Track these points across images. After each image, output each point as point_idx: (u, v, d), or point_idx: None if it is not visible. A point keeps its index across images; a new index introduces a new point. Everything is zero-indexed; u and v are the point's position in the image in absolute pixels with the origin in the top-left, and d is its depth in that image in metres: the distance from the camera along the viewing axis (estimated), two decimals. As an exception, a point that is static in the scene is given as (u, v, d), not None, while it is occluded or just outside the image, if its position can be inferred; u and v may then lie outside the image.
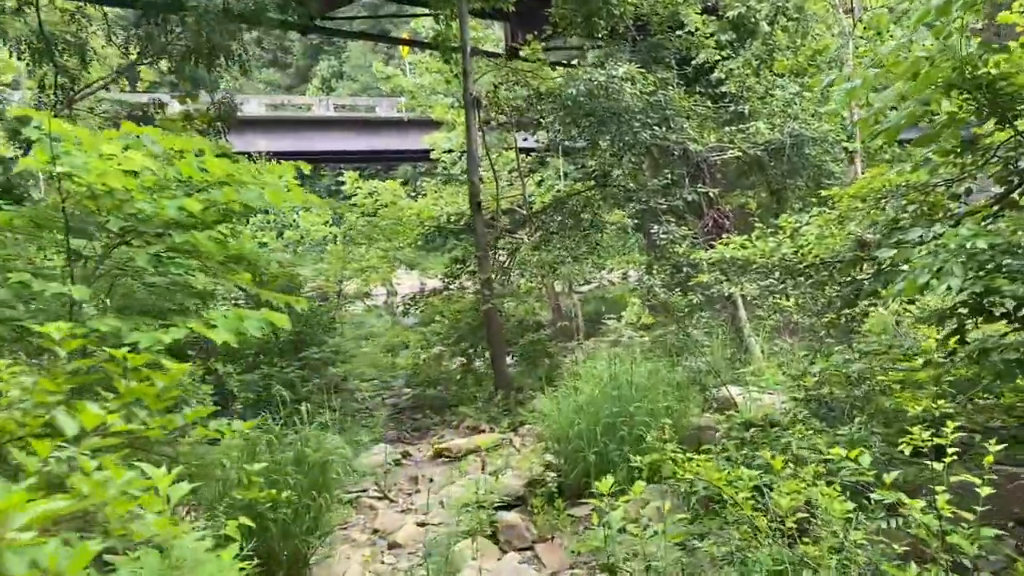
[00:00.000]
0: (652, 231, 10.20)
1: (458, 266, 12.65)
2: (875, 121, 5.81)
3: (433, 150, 25.76)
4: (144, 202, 4.37)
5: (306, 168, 5.44)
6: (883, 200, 6.75)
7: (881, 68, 5.61)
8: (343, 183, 24.90)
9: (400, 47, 37.35)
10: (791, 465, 3.89)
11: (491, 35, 26.13)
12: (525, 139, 19.58)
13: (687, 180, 10.88)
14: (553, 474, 6.65)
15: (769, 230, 6.92)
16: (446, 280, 12.79)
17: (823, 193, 7.53)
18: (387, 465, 8.01)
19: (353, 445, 8.13)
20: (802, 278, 6.62)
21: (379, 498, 7.29)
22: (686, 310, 8.78)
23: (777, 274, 6.85)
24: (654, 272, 10.00)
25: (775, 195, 12.01)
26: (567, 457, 6.32)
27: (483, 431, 9.44)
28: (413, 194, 28.08)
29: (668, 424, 5.19)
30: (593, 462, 5.86)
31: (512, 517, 5.86)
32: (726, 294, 8.95)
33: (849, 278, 6.71)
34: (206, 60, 9.98)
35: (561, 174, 22.48)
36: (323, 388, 9.02)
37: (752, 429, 5.32)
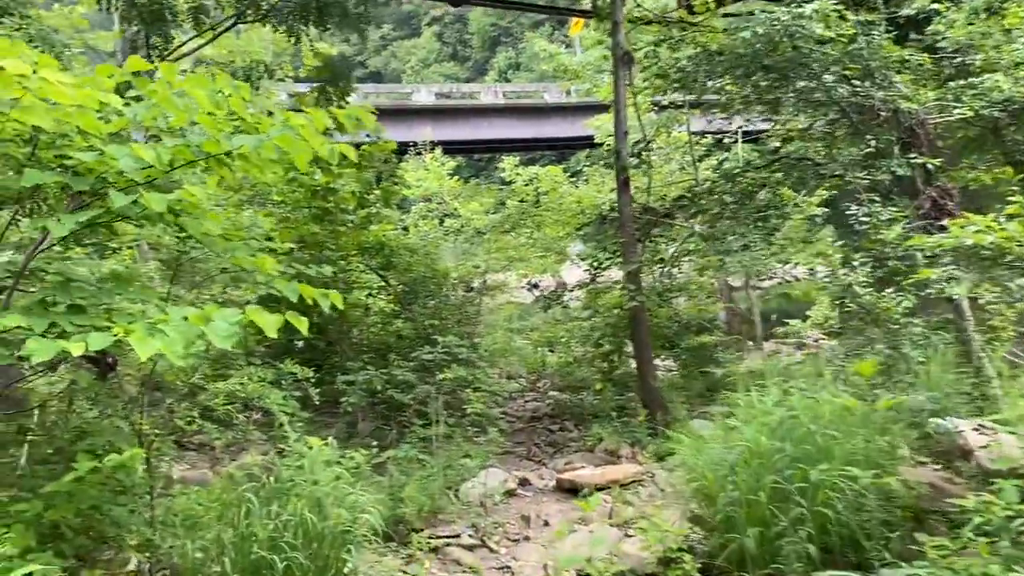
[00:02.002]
0: (850, 213, 7.94)
1: (607, 255, 10.86)
2: None
3: (594, 136, 23.97)
4: (86, 150, 3.06)
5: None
6: None
7: None
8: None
9: (571, 26, 35.66)
10: None
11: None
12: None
13: (897, 149, 8.47)
14: (698, 539, 4.82)
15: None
16: (592, 271, 11.05)
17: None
18: (494, 497, 6.47)
19: (456, 469, 6.70)
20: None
21: (474, 546, 5.75)
22: (898, 318, 6.52)
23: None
24: (855, 266, 7.72)
25: (1017, 169, 9.28)
26: (716, 525, 4.47)
27: (621, 457, 7.67)
28: (575, 181, 26.56)
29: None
30: (753, 546, 3.99)
31: (630, 614, 4.12)
32: (953, 296, 6.67)
33: None
34: (316, 19, 8.89)
35: (739, 155, 20.04)
36: (436, 394, 7.65)
37: (1019, 521, 3.26)
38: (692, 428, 7.99)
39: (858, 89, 8.26)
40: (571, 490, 6.70)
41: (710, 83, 10.14)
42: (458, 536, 5.74)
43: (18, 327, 2.75)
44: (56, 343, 2.58)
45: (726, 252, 9.64)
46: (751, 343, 16.08)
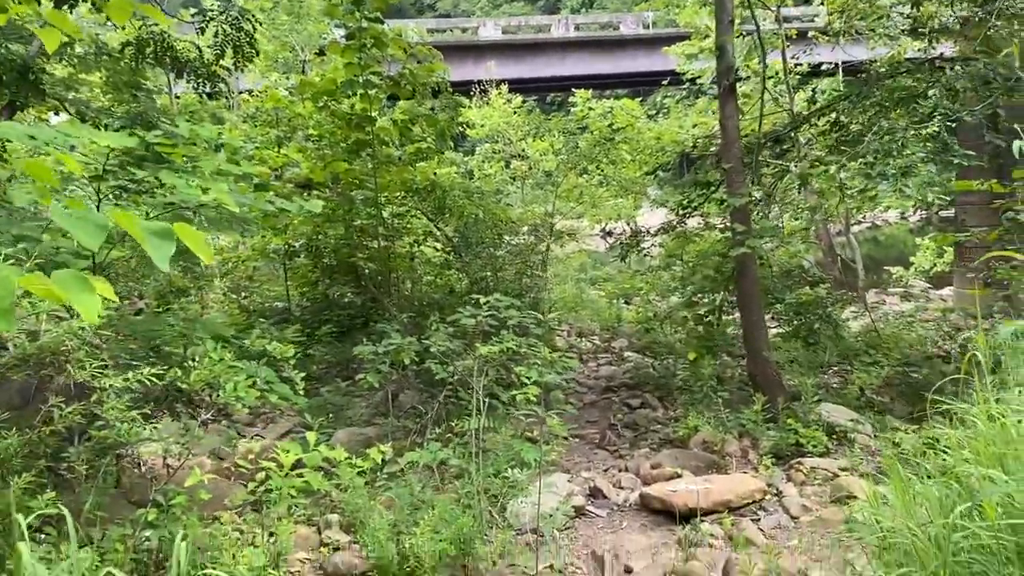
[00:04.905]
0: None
1: (699, 192, 8.71)
2: None
3: (676, 70, 21.54)
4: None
5: None
6: None
7: None
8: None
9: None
10: None
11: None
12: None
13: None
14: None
15: None
16: (679, 212, 8.91)
17: None
18: (555, 519, 4.63)
19: (502, 479, 4.91)
20: None
21: (520, 605, 3.96)
22: None
23: None
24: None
25: None
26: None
27: (727, 456, 5.70)
28: (654, 116, 24.17)
29: None
30: None
31: None
32: None
33: None
34: None
35: (839, 86, 17.43)
36: (481, 370, 5.83)
37: None
38: (822, 416, 6.03)
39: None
40: (661, 511, 4.82)
41: None
42: (498, 591, 3.94)
43: None
44: None
45: (849, 186, 7.42)
46: (854, 295, 13.84)
